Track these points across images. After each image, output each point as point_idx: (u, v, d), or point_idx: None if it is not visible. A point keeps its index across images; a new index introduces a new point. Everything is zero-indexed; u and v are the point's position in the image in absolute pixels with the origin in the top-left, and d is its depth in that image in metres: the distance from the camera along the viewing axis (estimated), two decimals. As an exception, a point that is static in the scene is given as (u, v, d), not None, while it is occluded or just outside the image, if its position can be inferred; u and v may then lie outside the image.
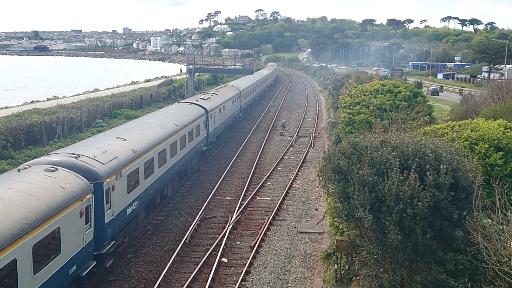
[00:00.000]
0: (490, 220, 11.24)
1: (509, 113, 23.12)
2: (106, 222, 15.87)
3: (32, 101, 57.90)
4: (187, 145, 27.08)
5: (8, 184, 12.83)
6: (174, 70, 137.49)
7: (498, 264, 10.09)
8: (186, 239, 19.94)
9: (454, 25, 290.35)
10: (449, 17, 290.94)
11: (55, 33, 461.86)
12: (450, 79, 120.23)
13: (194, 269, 17.28)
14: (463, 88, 78.90)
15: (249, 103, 58.23)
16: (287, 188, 27.32)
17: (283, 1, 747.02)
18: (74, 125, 38.64)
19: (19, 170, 14.33)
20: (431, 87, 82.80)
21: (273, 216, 22.83)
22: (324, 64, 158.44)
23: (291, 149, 38.12)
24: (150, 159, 20.65)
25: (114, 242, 16.81)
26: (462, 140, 16.35)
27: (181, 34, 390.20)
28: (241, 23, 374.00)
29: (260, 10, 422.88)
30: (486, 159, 15.72)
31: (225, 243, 19.61)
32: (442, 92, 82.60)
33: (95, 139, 20.32)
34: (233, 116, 45.45)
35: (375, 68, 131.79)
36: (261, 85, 73.61)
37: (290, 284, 16.75)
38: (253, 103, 64.43)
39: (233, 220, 21.91)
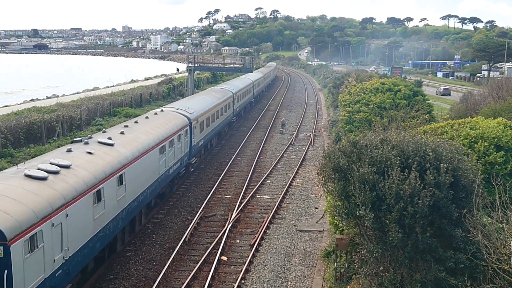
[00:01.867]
0: (490, 219, 11.26)
1: (509, 112, 23.14)
2: None
3: (32, 100, 57.83)
4: None
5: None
6: (173, 68, 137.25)
7: (497, 263, 10.09)
8: (185, 237, 19.94)
9: (454, 23, 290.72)
10: (449, 16, 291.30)
11: (55, 32, 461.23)
12: (450, 78, 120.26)
13: (194, 268, 17.28)
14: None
15: (214, 132, 35.86)
16: (286, 186, 27.31)
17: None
18: (73, 124, 38.60)
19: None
20: (442, 87, 78.62)
21: (272, 215, 22.83)
22: (324, 63, 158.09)
23: (290, 148, 38.10)
24: None
25: None
26: (462, 139, 16.38)
27: (180, 33, 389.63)
28: (240, 22, 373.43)
29: (260, 8, 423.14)
30: (486, 157, 15.74)
31: (225, 241, 19.61)
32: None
33: None
34: (168, 176, 23.67)
35: (372, 68, 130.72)
36: (242, 99, 50.92)
37: (289, 283, 16.76)
38: (225, 129, 43.14)
39: (233, 219, 21.91)
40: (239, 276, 16.78)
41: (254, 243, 19.48)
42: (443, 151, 12.37)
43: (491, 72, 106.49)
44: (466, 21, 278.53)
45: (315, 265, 18.08)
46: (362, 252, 13.48)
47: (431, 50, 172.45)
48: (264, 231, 20.91)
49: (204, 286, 16.10)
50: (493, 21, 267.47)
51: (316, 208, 24.22)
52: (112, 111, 46.76)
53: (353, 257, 15.69)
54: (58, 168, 14.47)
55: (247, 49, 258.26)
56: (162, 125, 24.09)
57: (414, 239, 11.42)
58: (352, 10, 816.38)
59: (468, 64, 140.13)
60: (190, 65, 65.54)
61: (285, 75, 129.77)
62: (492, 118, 19.51)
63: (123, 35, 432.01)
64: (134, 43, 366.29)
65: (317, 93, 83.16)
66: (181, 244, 19.28)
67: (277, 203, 24.30)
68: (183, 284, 16.11)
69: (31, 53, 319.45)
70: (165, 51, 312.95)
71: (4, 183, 12.89)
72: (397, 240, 11.36)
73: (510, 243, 10.08)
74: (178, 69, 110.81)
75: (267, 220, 22.01)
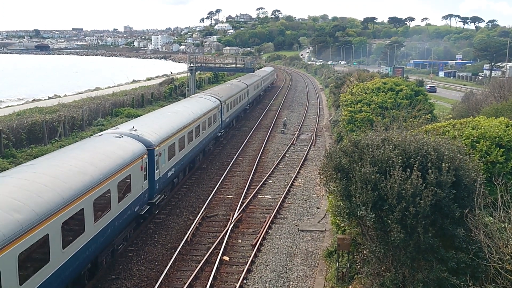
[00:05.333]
0: (492, 218, 11.25)
1: (511, 111, 23.10)
2: None
3: (34, 100, 57.95)
4: None
5: None
6: (174, 69, 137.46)
7: (500, 262, 10.08)
8: (187, 237, 19.95)
9: (455, 23, 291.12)
10: (451, 15, 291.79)
11: (56, 32, 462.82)
12: (452, 77, 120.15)
13: (196, 268, 17.29)
14: None
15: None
16: (288, 186, 27.30)
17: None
18: (75, 124, 38.64)
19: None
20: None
21: (274, 215, 22.83)
22: (326, 62, 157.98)
23: (292, 147, 38.09)
24: None
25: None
26: (464, 138, 16.36)
27: (182, 33, 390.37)
28: (242, 22, 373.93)
29: (261, 8, 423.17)
30: (488, 156, 15.72)
31: (227, 241, 19.61)
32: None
33: None
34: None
35: (375, 69, 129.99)
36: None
37: (291, 283, 16.76)
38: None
39: (235, 219, 21.92)
40: (241, 276, 16.78)
41: (256, 243, 19.48)
42: (445, 151, 12.36)
43: (492, 71, 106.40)
44: (467, 21, 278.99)
45: (317, 265, 18.07)
46: (364, 252, 13.48)
47: (433, 49, 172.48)
48: (266, 231, 20.91)
49: (206, 286, 16.11)
50: (495, 20, 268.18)
51: (318, 208, 24.21)
52: (113, 111, 46.79)
53: (355, 257, 15.69)
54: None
55: (249, 49, 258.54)
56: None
57: (416, 239, 11.40)
58: (353, 10, 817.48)
59: (470, 64, 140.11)
60: (191, 65, 65.45)
61: (287, 75, 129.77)
62: (494, 117, 19.47)
63: (125, 35, 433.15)
64: (136, 44, 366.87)
65: (319, 93, 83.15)
66: (183, 244, 19.29)
67: (279, 203, 24.30)
68: (185, 284, 16.11)
69: (33, 54, 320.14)
70: (166, 51, 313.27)
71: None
72: (399, 240, 11.35)
73: (512, 242, 10.07)
74: (171, 72, 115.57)
75: (269, 220, 22.01)
